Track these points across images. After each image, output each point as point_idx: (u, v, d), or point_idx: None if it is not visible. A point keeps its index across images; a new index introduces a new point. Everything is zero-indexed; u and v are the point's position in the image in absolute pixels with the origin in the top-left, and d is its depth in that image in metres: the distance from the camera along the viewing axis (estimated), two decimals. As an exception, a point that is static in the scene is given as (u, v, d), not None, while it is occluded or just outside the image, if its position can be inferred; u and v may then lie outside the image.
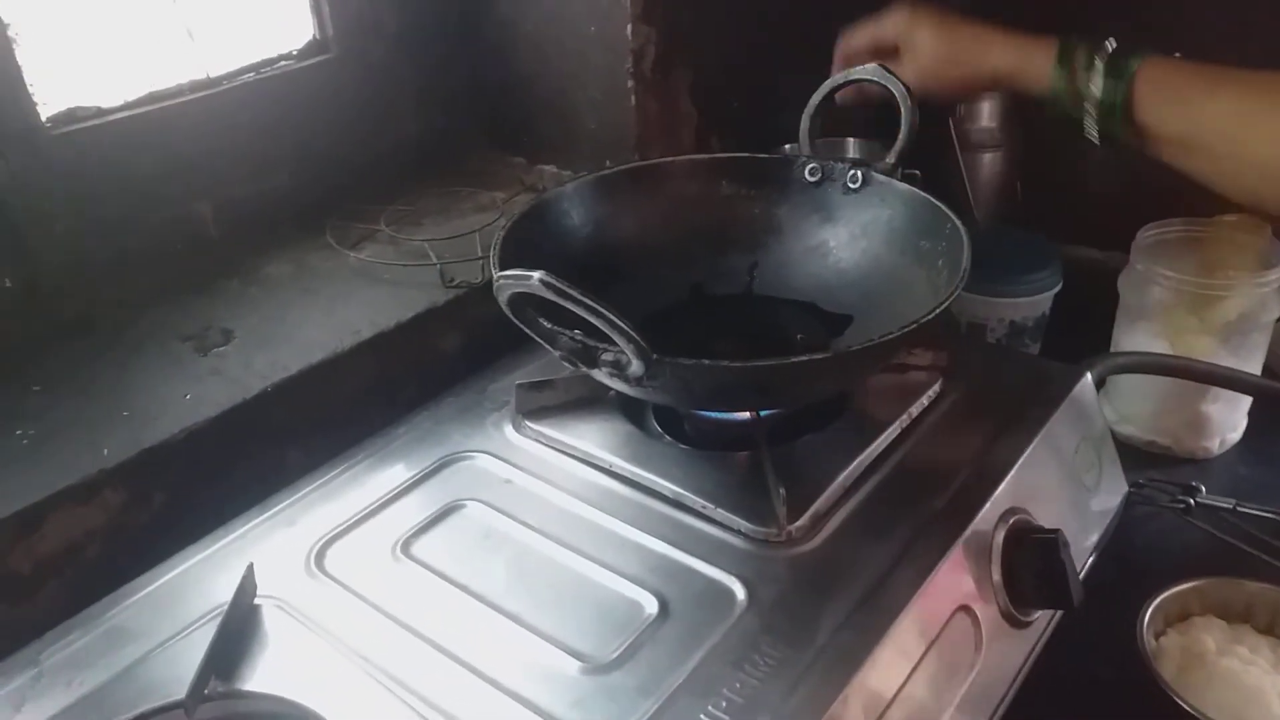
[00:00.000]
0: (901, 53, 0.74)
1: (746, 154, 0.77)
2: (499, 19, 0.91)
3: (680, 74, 0.89)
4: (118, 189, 0.75)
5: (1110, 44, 0.69)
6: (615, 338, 0.51)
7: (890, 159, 0.72)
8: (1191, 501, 0.78)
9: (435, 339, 0.76)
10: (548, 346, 0.56)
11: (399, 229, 0.84)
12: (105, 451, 0.60)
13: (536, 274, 0.49)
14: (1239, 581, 0.68)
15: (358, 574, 0.58)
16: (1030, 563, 0.60)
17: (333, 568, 0.59)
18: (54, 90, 0.70)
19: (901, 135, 0.71)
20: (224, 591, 0.56)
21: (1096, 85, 0.68)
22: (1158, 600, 0.66)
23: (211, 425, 0.63)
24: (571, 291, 0.49)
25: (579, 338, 0.55)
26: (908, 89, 0.70)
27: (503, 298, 0.52)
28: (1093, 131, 0.70)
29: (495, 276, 0.52)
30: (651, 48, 0.86)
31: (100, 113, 0.73)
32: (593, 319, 0.50)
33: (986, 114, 1.08)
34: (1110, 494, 0.73)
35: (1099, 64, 0.68)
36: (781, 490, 0.59)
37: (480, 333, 0.77)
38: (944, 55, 0.72)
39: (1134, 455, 0.86)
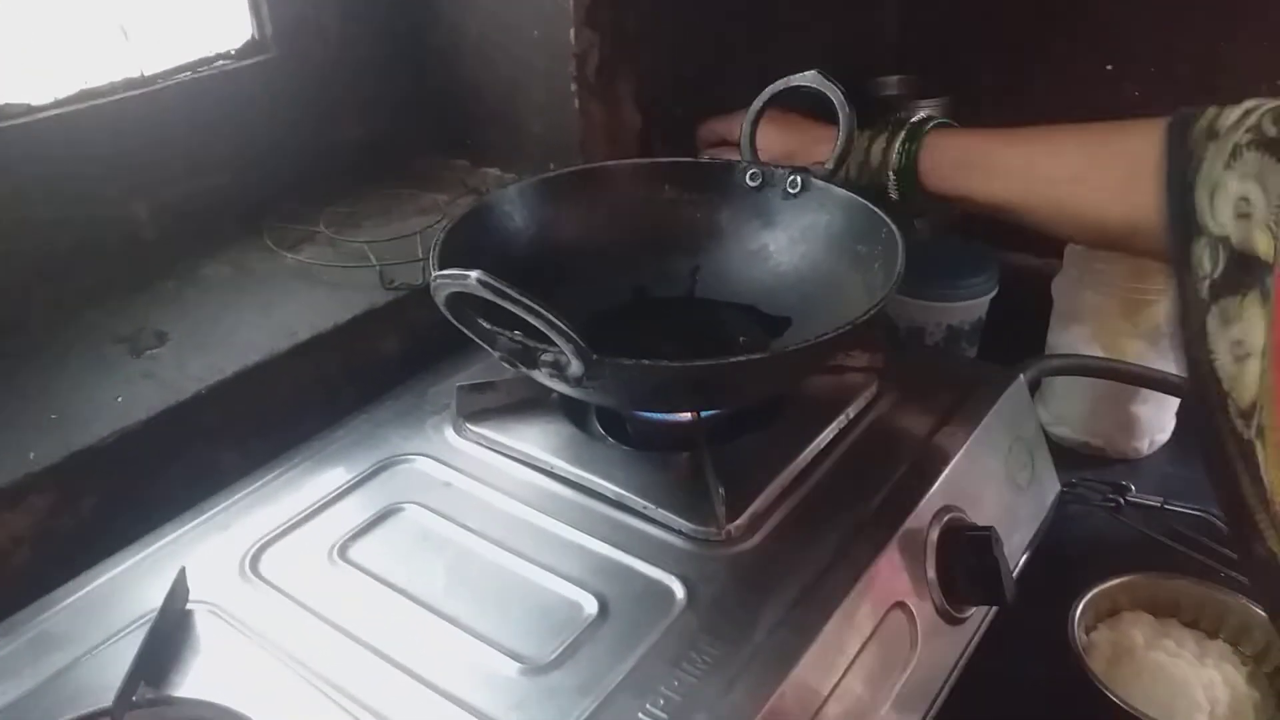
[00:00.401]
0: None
1: (689, 159, 0.78)
2: (443, 22, 0.91)
3: (624, 80, 0.89)
4: (49, 188, 0.73)
5: (908, 118, 0.78)
6: (554, 337, 0.51)
7: (828, 165, 0.73)
8: (1122, 500, 0.80)
9: (374, 341, 0.75)
10: (487, 347, 0.56)
11: (339, 230, 0.83)
12: (32, 455, 0.59)
13: (474, 273, 0.49)
14: (1166, 577, 0.70)
15: (294, 578, 0.57)
16: (964, 560, 0.61)
17: (268, 572, 0.58)
18: (-19, 86, 0.69)
19: (839, 142, 0.72)
20: (155, 597, 0.55)
21: (894, 154, 0.77)
22: (1088, 596, 0.67)
23: (143, 428, 0.62)
24: (509, 291, 0.49)
25: (518, 338, 0.55)
26: (845, 96, 0.71)
27: (440, 297, 0.52)
28: (894, 194, 0.78)
29: (433, 276, 0.52)
30: (595, 52, 0.86)
31: (30, 110, 0.71)
32: (531, 318, 0.50)
33: (926, 122, 1.10)
34: (1043, 493, 0.75)
35: (897, 135, 0.77)
36: (721, 490, 0.59)
37: (420, 335, 0.76)
38: (782, 150, 0.79)
39: (1067, 455, 0.88)
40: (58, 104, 0.73)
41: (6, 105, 0.70)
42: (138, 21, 0.76)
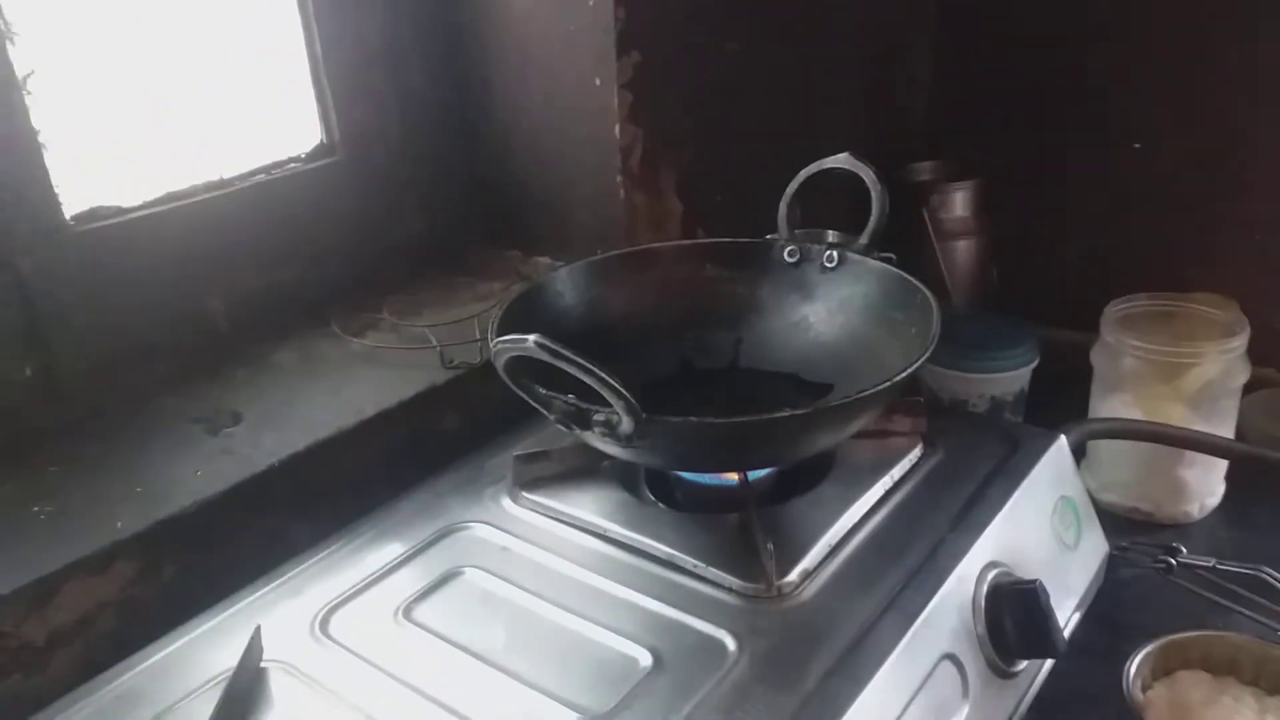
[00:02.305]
0: None
1: (729, 239, 0.82)
2: (496, 122, 0.97)
3: (666, 171, 0.95)
4: (135, 283, 0.79)
5: None
6: (606, 395, 0.54)
7: (863, 240, 0.76)
8: (1173, 561, 0.80)
9: (436, 417, 0.79)
10: (543, 410, 0.60)
11: (401, 317, 0.88)
12: (119, 524, 0.63)
13: (531, 337, 0.53)
14: (1223, 635, 0.69)
15: (361, 638, 0.60)
16: (1012, 613, 0.62)
17: (337, 633, 0.61)
18: (79, 190, 0.75)
19: (873, 217, 0.75)
20: (230, 658, 0.58)
21: None
22: (1143, 653, 0.67)
23: (221, 499, 0.66)
24: (564, 352, 0.52)
25: (572, 401, 0.58)
26: (876, 174, 0.74)
27: (500, 362, 0.56)
28: None
29: (493, 342, 0.55)
30: (639, 146, 0.91)
31: (120, 211, 0.78)
32: (584, 377, 0.53)
33: (960, 204, 1.14)
34: (1091, 553, 0.76)
35: None
36: (770, 546, 0.61)
37: (479, 411, 0.80)
38: None
39: (1118, 522, 0.88)
40: (145, 205, 0.79)
41: (100, 207, 0.77)
42: (218, 128, 0.83)
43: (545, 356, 0.53)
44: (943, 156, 1.19)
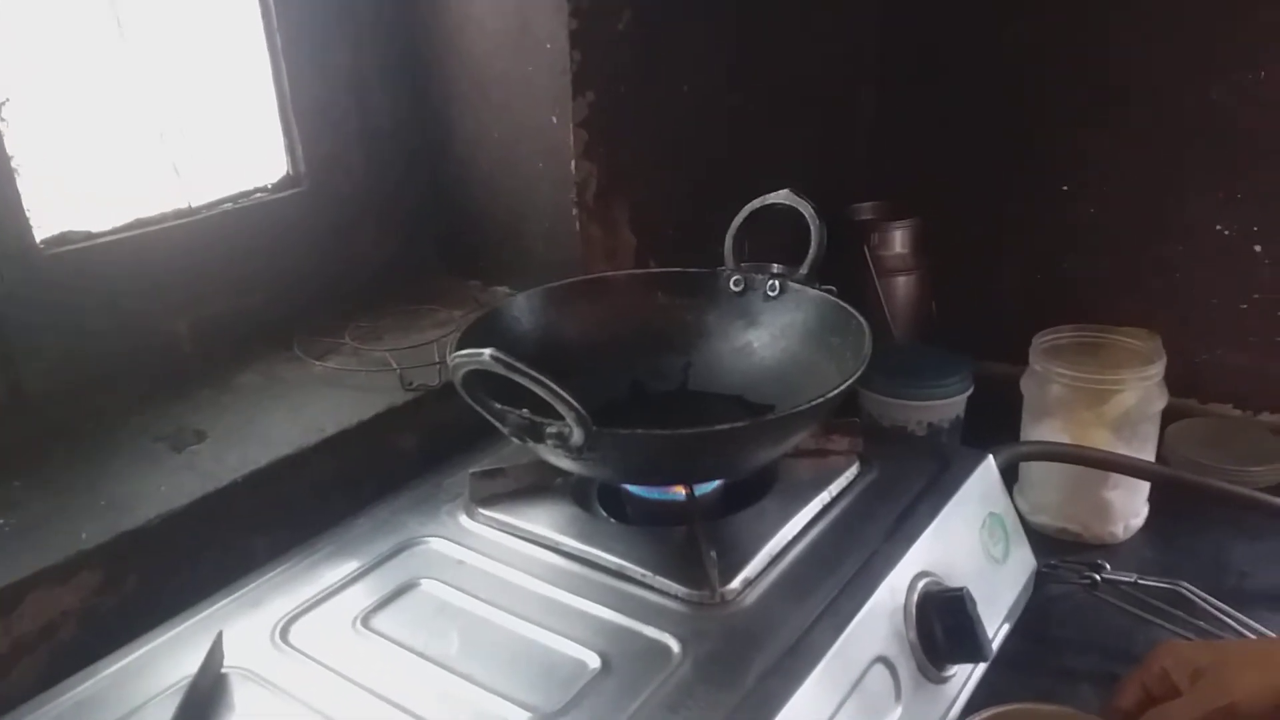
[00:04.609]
0: (1191, 688, 0.61)
1: (678, 268, 0.86)
2: (457, 157, 1.01)
3: (619, 205, 0.99)
4: (103, 306, 0.81)
5: None
6: (558, 407, 0.57)
7: (803, 270, 0.81)
8: (1097, 578, 0.84)
9: (394, 436, 0.81)
10: (498, 424, 0.63)
11: (363, 342, 0.90)
12: (83, 535, 0.64)
13: (487, 351, 0.56)
14: (1041, 707, 0.66)
15: (321, 645, 0.62)
16: (941, 619, 0.66)
17: (297, 640, 0.63)
18: (49, 215, 0.77)
19: (812, 249, 0.80)
20: (191, 667, 0.59)
21: None
22: None
23: (184, 512, 0.68)
24: (518, 365, 0.56)
25: (526, 415, 0.61)
26: (815, 210, 0.79)
27: (457, 376, 0.59)
28: None
29: (451, 357, 0.59)
30: (593, 181, 0.96)
31: (90, 236, 0.80)
32: (537, 389, 0.56)
33: (899, 242, 1.19)
34: (1019, 568, 0.80)
35: None
36: (714, 556, 0.65)
37: (437, 432, 0.83)
38: (1261, 679, 0.60)
39: (1048, 543, 0.93)
40: (114, 231, 0.82)
41: (70, 232, 0.79)
42: (188, 158, 0.86)
43: (500, 369, 0.56)
44: (884, 197, 1.25)
